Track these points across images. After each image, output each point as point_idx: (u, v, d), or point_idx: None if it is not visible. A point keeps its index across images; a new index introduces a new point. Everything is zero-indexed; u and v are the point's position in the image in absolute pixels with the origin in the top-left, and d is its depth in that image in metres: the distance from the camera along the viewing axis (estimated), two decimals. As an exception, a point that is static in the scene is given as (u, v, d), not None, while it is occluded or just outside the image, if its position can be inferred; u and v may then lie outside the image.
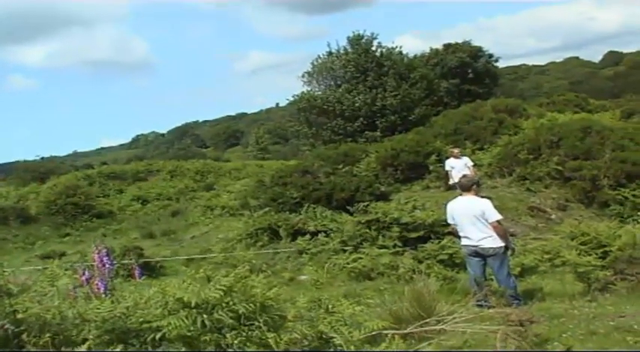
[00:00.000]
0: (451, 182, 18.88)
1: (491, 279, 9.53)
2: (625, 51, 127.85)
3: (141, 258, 17.04)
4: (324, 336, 4.81)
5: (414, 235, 15.23)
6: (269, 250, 17.20)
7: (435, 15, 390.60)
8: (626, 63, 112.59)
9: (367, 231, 15.68)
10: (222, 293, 4.59)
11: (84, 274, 5.86)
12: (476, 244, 9.37)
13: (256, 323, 4.60)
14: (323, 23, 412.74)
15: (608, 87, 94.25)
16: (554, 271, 12.23)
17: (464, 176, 11.42)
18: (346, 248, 15.49)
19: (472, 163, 19.86)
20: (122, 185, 38.57)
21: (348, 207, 18.15)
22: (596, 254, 10.49)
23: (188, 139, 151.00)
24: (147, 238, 24.64)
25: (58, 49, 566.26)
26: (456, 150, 20.25)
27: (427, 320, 6.52)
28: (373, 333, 5.06)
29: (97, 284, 5.75)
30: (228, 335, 4.51)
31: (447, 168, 19.76)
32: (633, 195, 17.67)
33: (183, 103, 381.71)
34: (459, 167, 19.06)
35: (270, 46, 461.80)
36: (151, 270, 16.45)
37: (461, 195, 9.90)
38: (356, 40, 48.91)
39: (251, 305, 4.64)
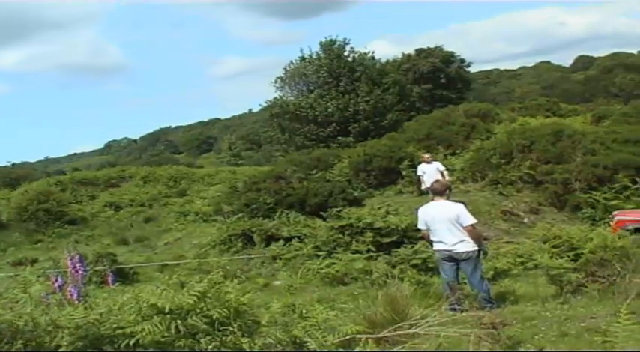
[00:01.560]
0: (423, 187, 18.95)
1: (464, 283, 9.58)
2: (595, 55, 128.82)
3: (114, 264, 16.89)
4: (298, 341, 4.83)
5: (387, 240, 15.24)
6: (243, 256, 17.15)
7: (408, 20, 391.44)
8: (596, 67, 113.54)
9: (341, 236, 15.68)
10: (196, 299, 4.59)
11: (57, 281, 5.81)
12: (450, 249, 9.39)
13: (230, 328, 4.61)
14: (298, 28, 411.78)
15: (579, 91, 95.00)
16: (526, 274, 12.33)
17: (437, 181, 11.45)
18: (320, 253, 15.47)
19: (444, 168, 19.90)
20: (95, 191, 38.20)
21: (322, 213, 18.16)
22: (568, 256, 10.61)
23: (161, 145, 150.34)
24: (120, 244, 24.45)
25: (30, 53, 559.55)
26: (426, 155, 20.29)
27: (401, 324, 6.55)
28: (347, 337, 5.08)
29: (70, 291, 5.70)
30: (202, 341, 4.51)
31: (419, 173, 19.80)
32: (604, 198, 17.82)
33: (155, 109, 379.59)
34: (430, 172, 19.06)
35: (244, 51, 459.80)
36: (124, 277, 16.30)
37: (433, 199, 9.94)
38: (328, 46, 49.07)
39: (225, 310, 4.65)
